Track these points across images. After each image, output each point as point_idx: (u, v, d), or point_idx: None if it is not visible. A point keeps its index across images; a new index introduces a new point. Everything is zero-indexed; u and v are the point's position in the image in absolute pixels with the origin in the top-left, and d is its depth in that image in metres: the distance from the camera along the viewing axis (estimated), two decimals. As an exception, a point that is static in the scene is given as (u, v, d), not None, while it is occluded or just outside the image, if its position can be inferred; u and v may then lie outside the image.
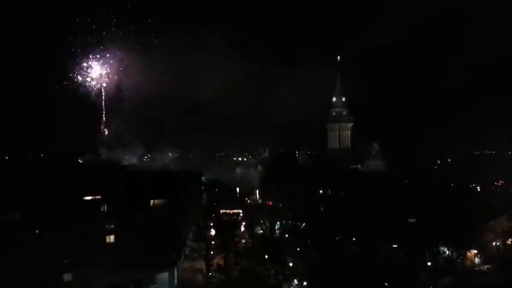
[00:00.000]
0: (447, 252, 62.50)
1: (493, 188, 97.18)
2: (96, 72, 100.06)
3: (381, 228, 60.72)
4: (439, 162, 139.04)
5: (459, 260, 61.91)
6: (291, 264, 62.00)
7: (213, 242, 67.91)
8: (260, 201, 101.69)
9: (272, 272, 59.50)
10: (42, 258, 51.59)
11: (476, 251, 66.68)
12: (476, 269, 64.67)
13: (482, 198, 78.35)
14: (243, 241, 73.15)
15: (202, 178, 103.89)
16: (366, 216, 62.21)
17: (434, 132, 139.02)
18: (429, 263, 60.92)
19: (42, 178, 61.39)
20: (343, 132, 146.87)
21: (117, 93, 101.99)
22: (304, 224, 72.21)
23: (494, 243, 70.28)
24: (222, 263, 63.55)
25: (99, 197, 60.69)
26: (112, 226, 60.20)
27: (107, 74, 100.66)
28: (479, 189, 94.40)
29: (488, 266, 65.04)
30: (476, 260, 66.95)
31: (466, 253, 63.68)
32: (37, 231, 55.28)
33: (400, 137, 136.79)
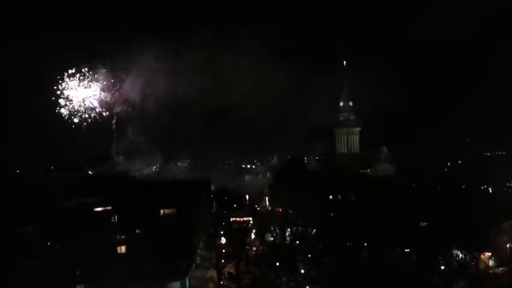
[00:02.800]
0: (460, 256, 61.83)
1: (505, 189, 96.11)
2: (113, 78, 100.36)
3: (392, 233, 60.34)
4: (449, 164, 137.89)
5: (473, 263, 61.20)
6: (302, 271, 61.70)
7: (223, 251, 67.85)
8: (270, 208, 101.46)
9: (284, 279, 59.25)
10: (54, 269, 51.96)
11: (490, 254, 65.88)
12: (491, 271, 63.86)
13: (494, 200, 77.55)
14: (254, 249, 72.92)
15: (212, 186, 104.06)
16: (377, 221, 61.85)
17: (443, 134, 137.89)
18: (442, 267, 60.31)
19: (53, 190, 62.08)
20: (352, 136, 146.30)
21: (134, 102, 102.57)
22: (314, 230, 71.92)
23: (508, 245, 69.38)
24: (233, 271, 63.41)
25: (110, 207, 61.22)
26: (123, 236, 60.61)
27: (124, 80, 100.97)
28: (491, 191, 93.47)
29: (503, 268, 64.23)
30: (490, 263, 66.12)
31: (479, 256, 62.94)
32: (49, 243, 55.78)
33: (409, 140, 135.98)
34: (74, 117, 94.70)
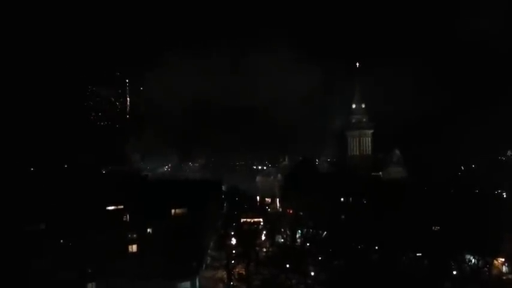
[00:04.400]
0: (473, 261, 61.03)
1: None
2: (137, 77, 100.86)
3: (404, 236, 59.79)
4: (462, 168, 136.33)
5: (486, 269, 60.35)
6: (312, 274, 61.48)
7: (234, 251, 67.89)
8: (280, 209, 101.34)
9: (294, 281, 59.07)
10: (66, 267, 52.49)
11: (503, 259, 64.98)
12: (504, 277, 63.00)
13: (508, 205, 76.46)
14: (264, 250, 72.88)
15: (223, 187, 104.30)
16: (389, 224, 61.34)
17: (457, 138, 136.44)
18: (454, 272, 59.57)
19: (66, 188, 62.71)
20: (364, 139, 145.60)
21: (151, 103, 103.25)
22: (325, 232, 71.61)
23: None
24: (243, 272, 63.43)
25: (122, 206, 61.68)
26: (134, 236, 61.06)
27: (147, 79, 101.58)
28: (505, 195, 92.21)
29: (517, 274, 63.31)
30: (504, 269, 65.25)
31: (492, 261, 62.07)
32: (61, 241, 56.36)
33: (422, 143, 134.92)
34: (93, 116, 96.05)
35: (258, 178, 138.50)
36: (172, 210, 66.33)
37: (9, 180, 65.36)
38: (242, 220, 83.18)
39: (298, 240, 74.14)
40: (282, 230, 77.80)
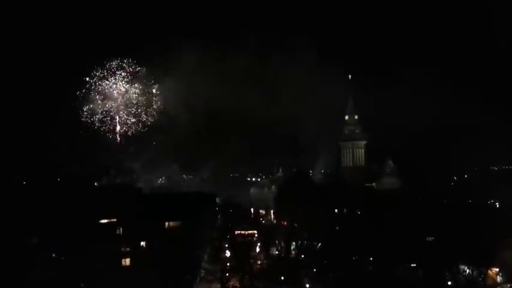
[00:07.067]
0: (468, 271, 61.12)
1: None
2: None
3: (398, 247, 59.82)
4: (455, 178, 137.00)
5: (480, 279, 60.44)
6: (307, 286, 61.22)
7: (228, 264, 67.52)
8: (275, 221, 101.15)
9: (289, 293, 58.78)
10: (59, 281, 51.95)
11: (497, 269, 65.10)
12: (499, 287, 63.09)
13: (501, 215, 76.80)
14: (259, 262, 72.54)
15: (217, 199, 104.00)
16: (383, 235, 61.40)
17: (450, 148, 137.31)
18: (449, 282, 59.61)
19: (59, 202, 62.27)
20: (357, 150, 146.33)
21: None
22: (320, 244, 71.47)
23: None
24: (238, 285, 63.00)
25: (115, 220, 61.29)
26: (128, 249, 60.59)
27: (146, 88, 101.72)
28: (498, 206, 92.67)
29: (511, 284, 63.36)
30: (498, 279, 65.32)
31: (487, 271, 62.18)
32: (54, 254, 55.84)
33: (415, 154, 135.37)
34: (88, 127, 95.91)
35: (252, 190, 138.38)
36: (166, 223, 65.99)
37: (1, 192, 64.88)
38: (236, 232, 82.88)
39: (293, 252, 73.87)
40: (277, 242, 77.55)
